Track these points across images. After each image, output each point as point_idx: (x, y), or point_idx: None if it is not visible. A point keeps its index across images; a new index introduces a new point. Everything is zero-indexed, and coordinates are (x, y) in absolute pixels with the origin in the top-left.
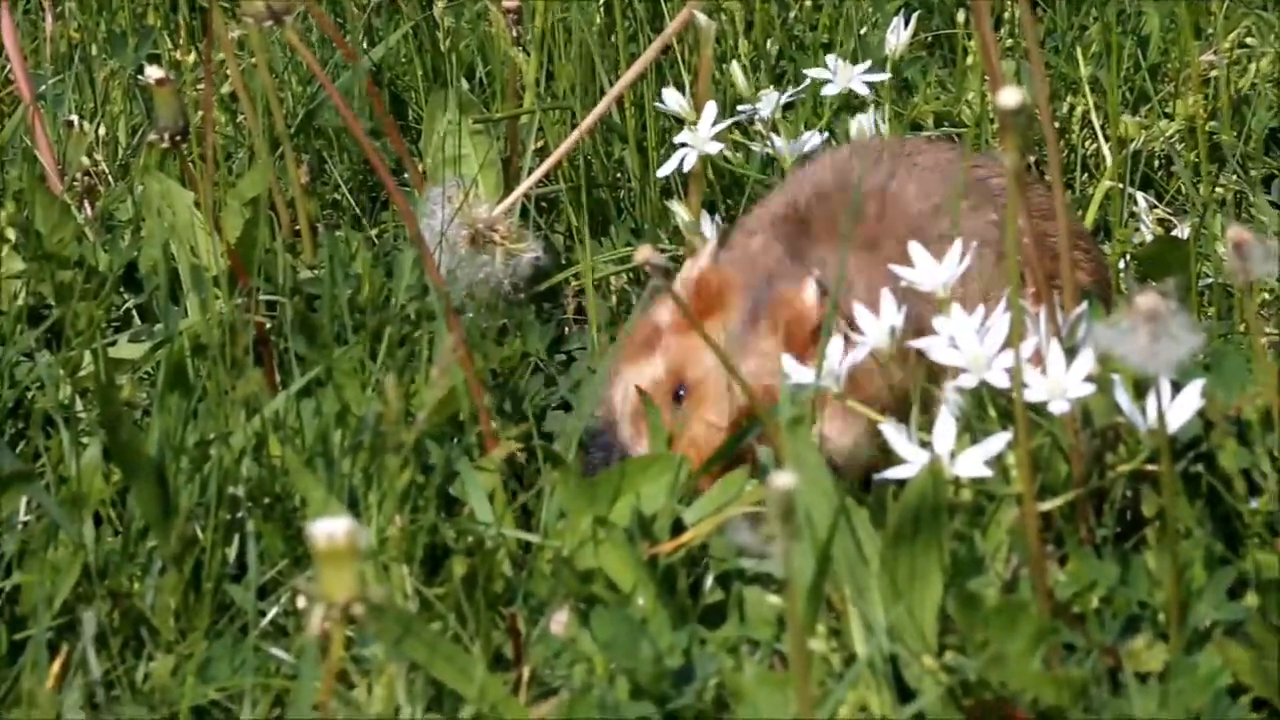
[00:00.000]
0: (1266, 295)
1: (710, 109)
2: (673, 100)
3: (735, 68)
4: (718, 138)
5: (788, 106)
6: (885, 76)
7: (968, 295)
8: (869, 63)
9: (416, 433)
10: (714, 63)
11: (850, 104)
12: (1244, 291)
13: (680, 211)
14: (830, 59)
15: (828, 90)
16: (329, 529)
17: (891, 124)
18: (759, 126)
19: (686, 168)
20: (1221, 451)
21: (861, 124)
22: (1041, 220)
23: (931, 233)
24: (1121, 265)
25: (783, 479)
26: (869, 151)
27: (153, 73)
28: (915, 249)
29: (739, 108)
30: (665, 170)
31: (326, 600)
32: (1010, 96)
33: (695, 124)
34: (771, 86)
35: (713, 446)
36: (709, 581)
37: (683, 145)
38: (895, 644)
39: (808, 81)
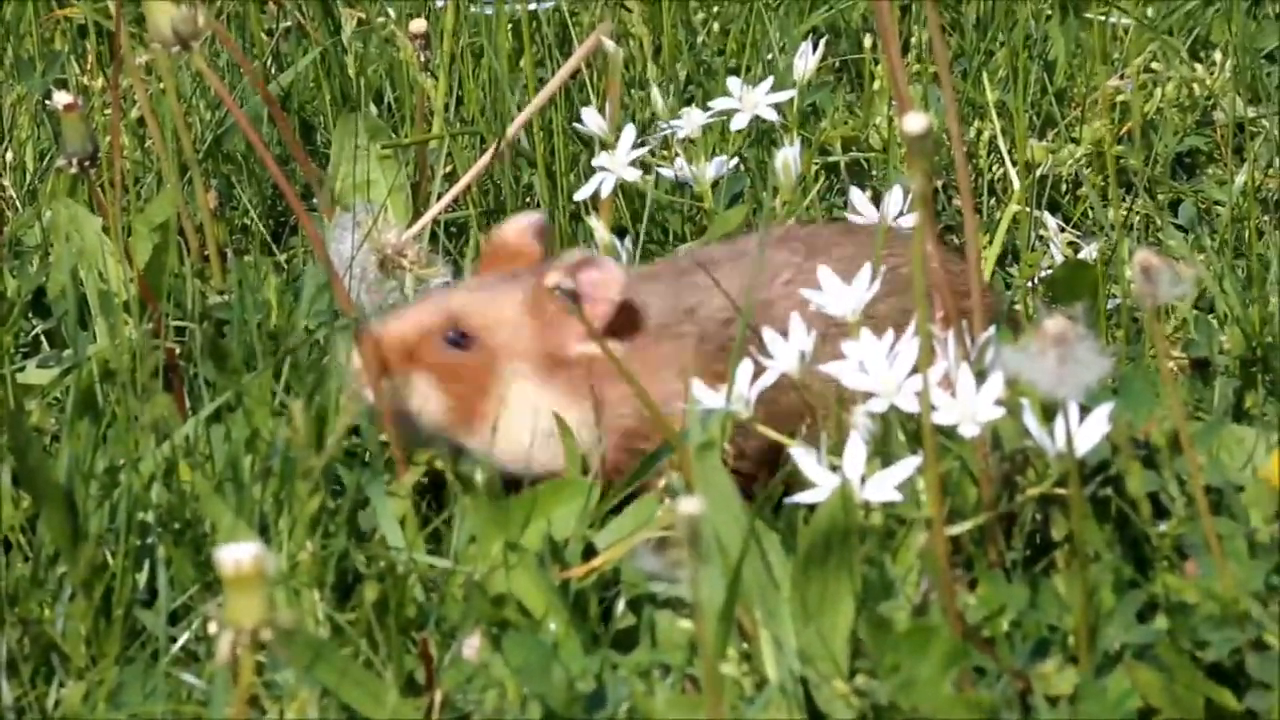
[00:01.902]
0: (1174, 320)
1: (628, 132)
2: (592, 121)
3: (654, 89)
4: (634, 164)
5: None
6: (791, 94)
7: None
8: (770, 80)
9: (326, 458)
10: (622, 87)
11: (760, 129)
12: (1152, 315)
13: (598, 228)
14: (734, 82)
15: (737, 122)
16: (236, 554)
17: (803, 150)
18: (675, 147)
19: (604, 192)
20: (1129, 475)
21: (786, 157)
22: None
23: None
24: (1029, 288)
25: (690, 504)
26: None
27: (60, 98)
28: (824, 272)
29: (659, 123)
30: (583, 194)
31: (235, 625)
32: (915, 122)
33: (613, 146)
34: (686, 110)
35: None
36: (620, 606)
37: (600, 169)
38: (806, 667)
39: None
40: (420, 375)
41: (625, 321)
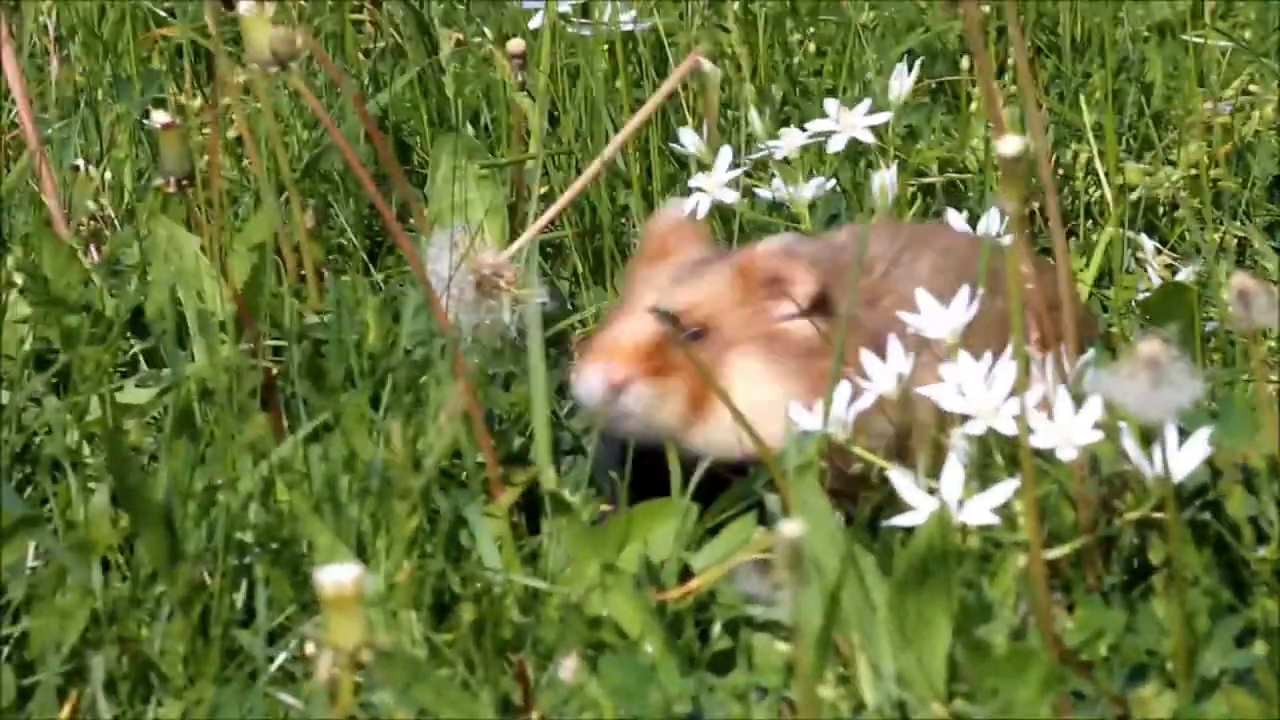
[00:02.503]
0: (1272, 344)
1: (725, 153)
2: (689, 141)
3: (751, 110)
4: (729, 185)
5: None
6: (888, 117)
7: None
8: (868, 102)
9: (424, 479)
10: (719, 108)
11: (855, 150)
12: (1248, 339)
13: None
14: (831, 104)
15: (834, 144)
16: (336, 576)
17: (897, 170)
18: (772, 168)
19: (701, 213)
20: (1228, 499)
21: (883, 180)
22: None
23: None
24: (1125, 311)
25: (791, 527)
26: (884, 229)
27: (159, 117)
28: (922, 295)
29: (758, 145)
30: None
31: (334, 647)
32: (1011, 144)
33: (709, 167)
34: (781, 130)
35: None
36: (717, 628)
37: (697, 189)
38: (904, 691)
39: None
40: (664, 377)
41: (820, 308)
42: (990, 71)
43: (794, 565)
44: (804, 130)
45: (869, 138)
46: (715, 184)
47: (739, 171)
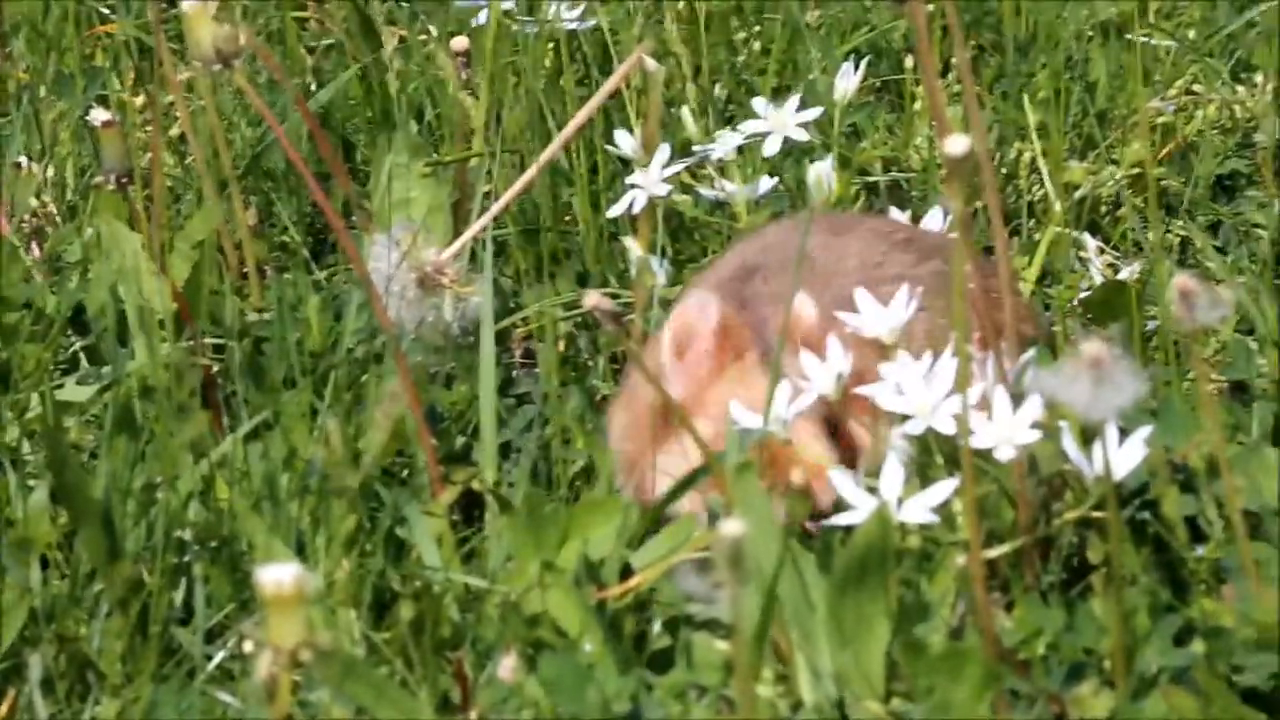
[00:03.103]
0: (1213, 343)
1: (662, 151)
2: (624, 142)
3: (685, 112)
4: (668, 180)
5: (737, 151)
6: (818, 112)
7: (913, 340)
8: (796, 99)
9: (362, 476)
10: (662, 106)
11: (799, 149)
12: (1190, 339)
13: (633, 247)
14: (760, 103)
15: (769, 147)
16: (277, 575)
17: (839, 170)
18: (710, 170)
19: (636, 209)
20: (1165, 499)
21: (819, 172)
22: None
23: (877, 277)
24: (1068, 309)
25: (731, 526)
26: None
27: (98, 115)
28: (861, 294)
29: (694, 148)
30: (615, 211)
31: (274, 645)
32: (957, 144)
33: (645, 166)
34: (723, 129)
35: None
36: (656, 627)
37: (633, 187)
38: (842, 690)
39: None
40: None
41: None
42: (934, 70)
43: (734, 564)
44: (737, 131)
45: (802, 135)
46: (651, 181)
47: (677, 169)
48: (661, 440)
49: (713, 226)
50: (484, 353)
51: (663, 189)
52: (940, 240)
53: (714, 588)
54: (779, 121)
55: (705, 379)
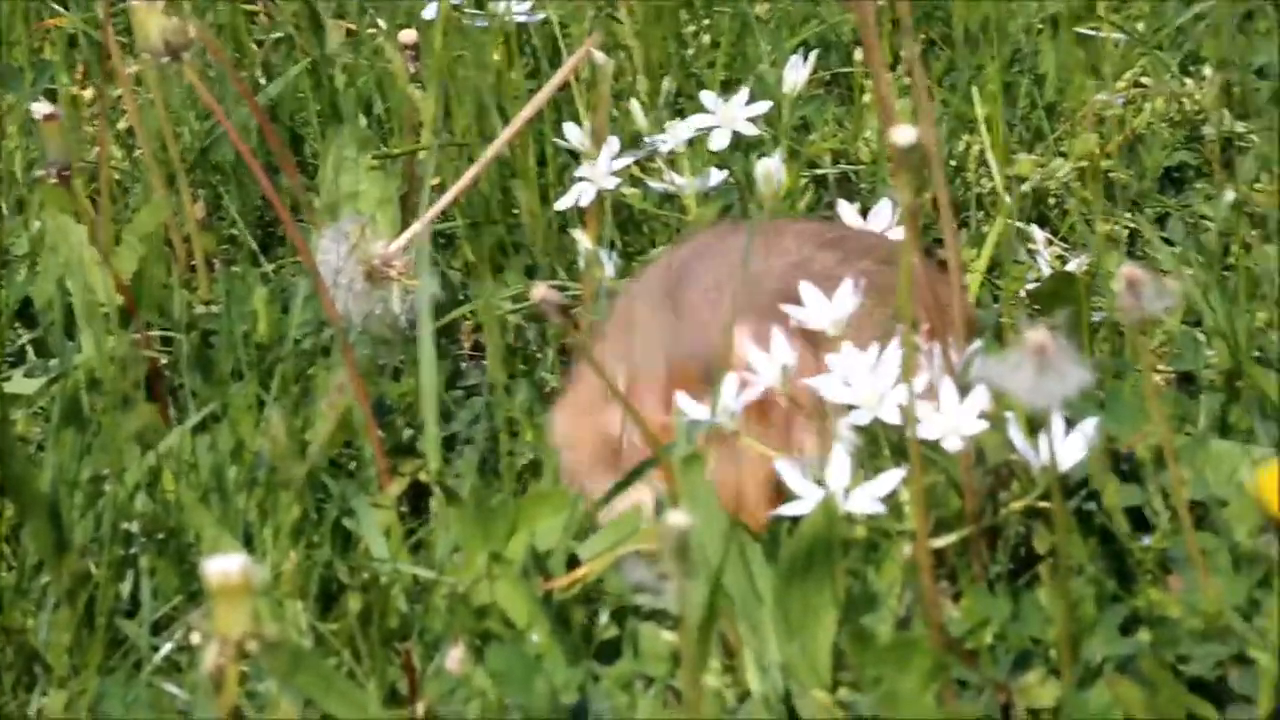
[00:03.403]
0: (1161, 334)
1: (611, 144)
2: (573, 135)
3: (634, 105)
4: (617, 174)
5: (687, 143)
6: (767, 106)
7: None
8: (745, 92)
9: (308, 467)
10: (611, 99)
11: (748, 142)
12: (1136, 329)
13: (582, 240)
14: (708, 97)
15: (716, 140)
16: (223, 566)
17: (788, 162)
18: (659, 162)
19: (584, 202)
20: (1105, 490)
21: (767, 168)
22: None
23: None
24: (1015, 301)
25: (677, 517)
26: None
27: (39, 108)
28: (805, 286)
29: (645, 139)
30: (563, 204)
31: (220, 636)
32: (904, 134)
33: (594, 159)
34: (673, 122)
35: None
36: (604, 618)
37: (581, 180)
38: (789, 680)
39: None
40: None
41: None
42: (882, 63)
43: (679, 555)
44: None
45: (750, 130)
46: (599, 173)
47: (626, 161)
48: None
49: (662, 219)
50: (423, 344)
51: (611, 182)
52: (873, 241)
53: (660, 579)
54: (727, 116)
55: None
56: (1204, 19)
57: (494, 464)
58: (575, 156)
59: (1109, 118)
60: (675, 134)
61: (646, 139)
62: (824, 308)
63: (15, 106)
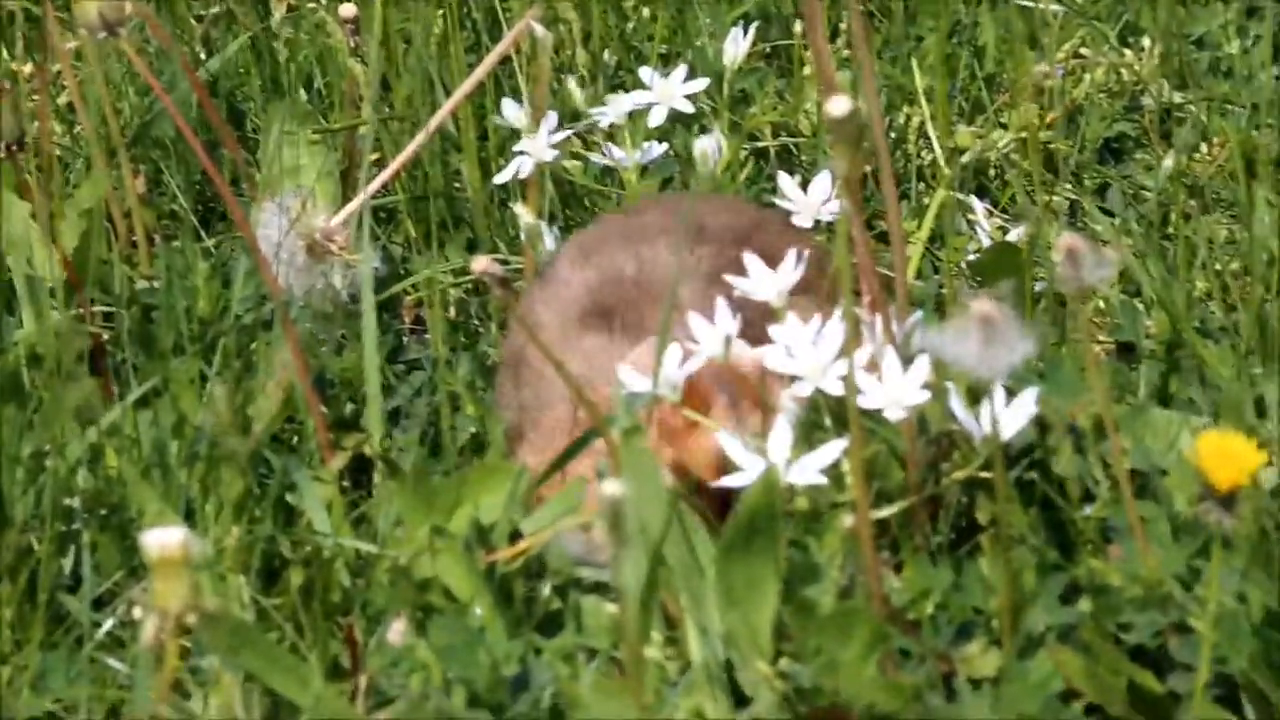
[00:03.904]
0: (1100, 304)
1: (550, 118)
2: (510, 112)
3: (571, 82)
4: (557, 147)
5: (628, 116)
6: (705, 83)
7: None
8: (683, 69)
9: (251, 442)
10: (552, 73)
11: (688, 114)
12: (1076, 299)
13: (523, 213)
14: (646, 72)
15: (654, 118)
16: (162, 538)
17: (729, 136)
18: (598, 136)
19: (523, 175)
20: (1056, 457)
21: (704, 147)
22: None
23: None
24: (956, 272)
25: (612, 486)
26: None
27: None
28: (749, 257)
29: (593, 110)
30: (502, 178)
31: (160, 610)
32: (839, 105)
33: (534, 133)
34: (614, 96)
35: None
36: (546, 590)
37: (520, 153)
38: (730, 651)
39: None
40: None
41: None
42: (821, 31)
43: (615, 525)
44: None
45: (687, 107)
46: (538, 147)
47: (565, 135)
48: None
49: (603, 193)
50: (366, 319)
51: (549, 154)
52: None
53: (593, 549)
54: (665, 92)
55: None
56: None
57: (436, 438)
58: (516, 130)
59: (1048, 89)
60: (614, 108)
61: (588, 112)
62: (769, 278)
63: None
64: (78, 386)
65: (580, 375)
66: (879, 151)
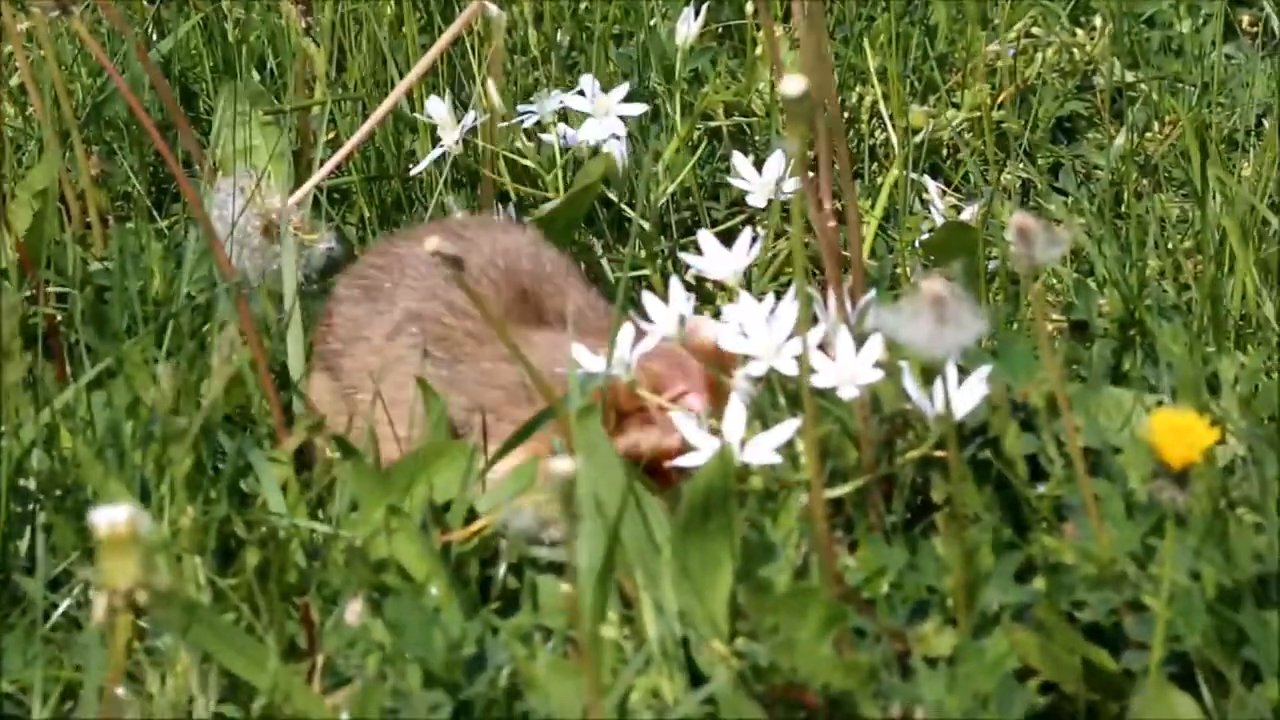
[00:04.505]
0: (1054, 283)
1: (468, 118)
2: (435, 111)
3: (490, 87)
4: (512, 130)
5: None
6: (643, 108)
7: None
8: (624, 88)
9: (200, 421)
10: (504, 53)
11: (645, 91)
12: (1029, 278)
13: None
14: (587, 81)
15: (590, 133)
16: (110, 516)
17: (682, 115)
18: (545, 121)
19: (437, 166)
20: (1006, 436)
21: (616, 152)
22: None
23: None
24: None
25: (563, 464)
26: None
27: None
28: (705, 237)
29: (520, 107)
30: (420, 168)
31: (110, 587)
32: (793, 84)
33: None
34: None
35: None
36: (502, 570)
37: (440, 148)
38: (687, 629)
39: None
40: None
41: None
42: (772, 14)
43: (566, 502)
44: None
45: (619, 128)
46: (449, 141)
47: (468, 127)
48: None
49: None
50: (288, 298)
51: (457, 148)
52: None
53: (543, 525)
54: (602, 106)
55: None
56: None
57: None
58: (468, 107)
59: (1000, 68)
60: (540, 105)
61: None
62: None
63: None
64: (16, 363)
65: None
66: (835, 131)
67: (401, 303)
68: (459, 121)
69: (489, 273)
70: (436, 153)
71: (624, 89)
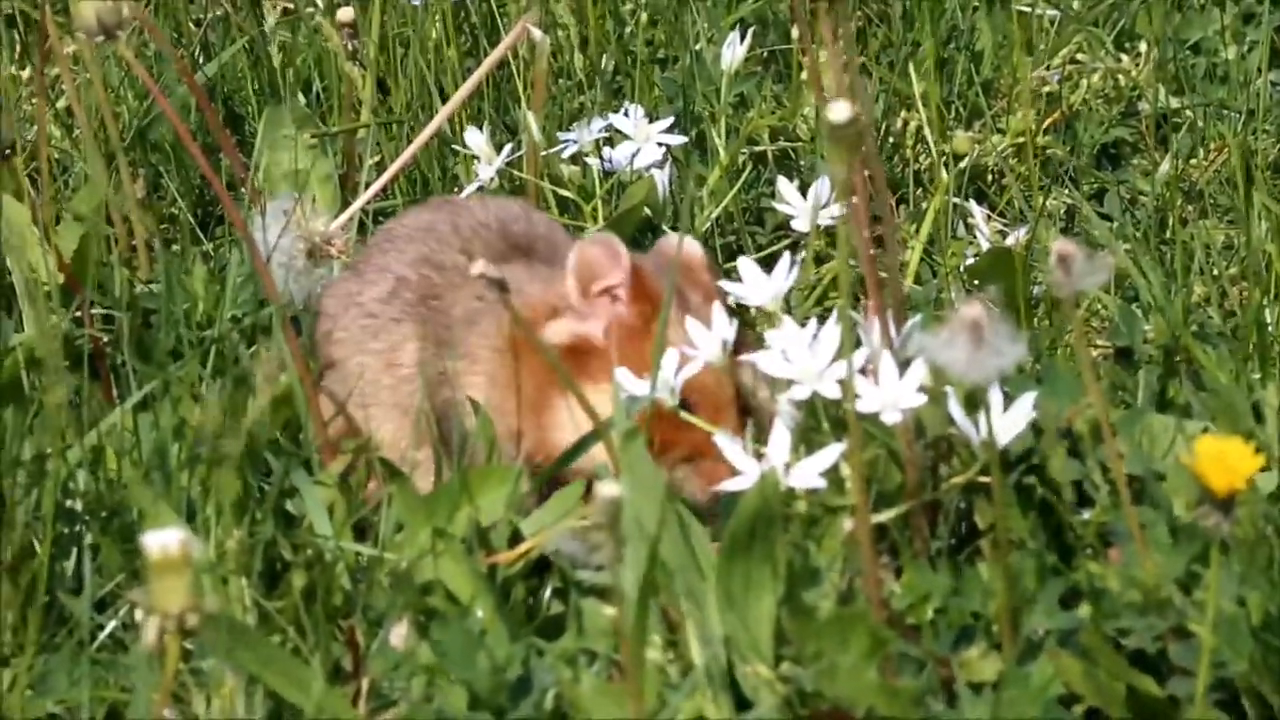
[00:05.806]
0: (1099, 309)
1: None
2: (473, 141)
3: (530, 119)
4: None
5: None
6: (683, 139)
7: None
8: (669, 120)
9: (244, 443)
10: (549, 77)
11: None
12: (1070, 304)
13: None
14: (631, 111)
15: (630, 158)
16: (162, 540)
17: (727, 140)
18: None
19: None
20: (1051, 461)
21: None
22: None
23: None
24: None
25: (609, 488)
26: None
27: None
28: (745, 263)
29: (561, 135)
30: (465, 194)
31: (160, 611)
32: (839, 111)
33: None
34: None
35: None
36: (547, 593)
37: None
38: (731, 654)
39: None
40: None
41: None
42: (818, 40)
43: (612, 527)
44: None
45: (657, 155)
46: (485, 176)
47: (504, 157)
48: (544, 409)
49: (601, 196)
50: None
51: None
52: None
53: (590, 550)
54: (643, 134)
55: (630, 328)
56: None
57: None
58: (513, 132)
59: (1045, 94)
60: (580, 135)
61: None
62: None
63: None
64: (61, 384)
65: None
66: (871, 156)
67: (394, 269)
68: (498, 151)
69: (481, 233)
70: (473, 187)
71: (669, 119)
